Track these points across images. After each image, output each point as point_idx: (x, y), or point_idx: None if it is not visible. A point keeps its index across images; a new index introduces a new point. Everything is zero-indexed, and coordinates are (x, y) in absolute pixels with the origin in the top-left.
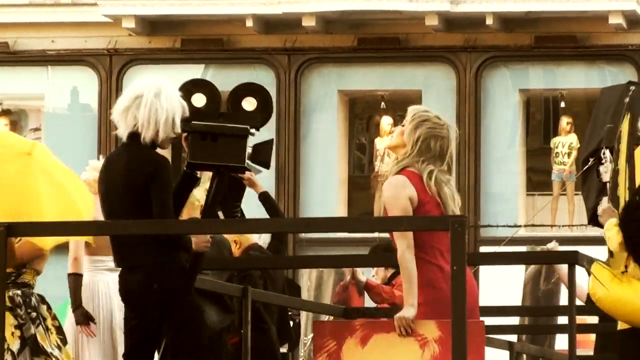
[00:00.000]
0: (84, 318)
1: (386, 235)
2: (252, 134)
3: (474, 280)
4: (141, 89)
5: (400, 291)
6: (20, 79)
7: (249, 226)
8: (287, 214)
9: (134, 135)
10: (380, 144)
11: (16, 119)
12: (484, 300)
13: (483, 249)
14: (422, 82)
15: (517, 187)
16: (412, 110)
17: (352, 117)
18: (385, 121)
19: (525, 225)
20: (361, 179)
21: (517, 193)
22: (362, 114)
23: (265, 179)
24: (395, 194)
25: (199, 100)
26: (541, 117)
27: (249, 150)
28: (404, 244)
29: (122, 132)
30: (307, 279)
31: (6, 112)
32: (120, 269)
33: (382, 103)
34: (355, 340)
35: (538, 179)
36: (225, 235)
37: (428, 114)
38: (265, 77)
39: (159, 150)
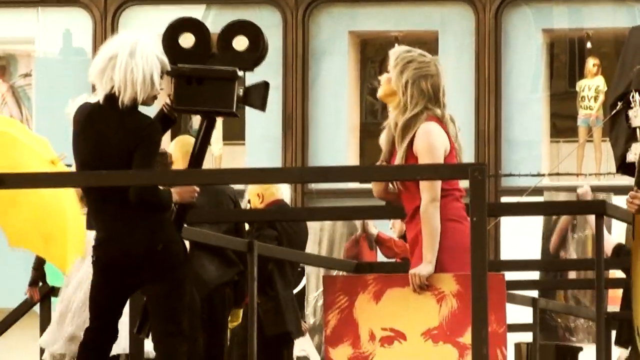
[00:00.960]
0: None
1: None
2: (241, 77)
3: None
4: (115, 49)
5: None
6: (8, 21)
7: (252, 176)
8: (295, 163)
9: (112, 97)
10: None
11: (5, 65)
12: (506, 254)
13: (504, 200)
14: (439, 22)
15: (540, 134)
16: (393, 53)
17: (363, 60)
18: None
19: (549, 174)
20: (373, 126)
21: (541, 140)
22: (374, 57)
23: (271, 126)
24: (434, 143)
25: (187, 40)
26: (566, 59)
27: (240, 93)
28: (429, 196)
29: (100, 94)
30: (315, 232)
31: None
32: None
33: (396, 45)
34: (368, 296)
35: (563, 124)
36: (251, 187)
37: (411, 54)
38: (271, 18)
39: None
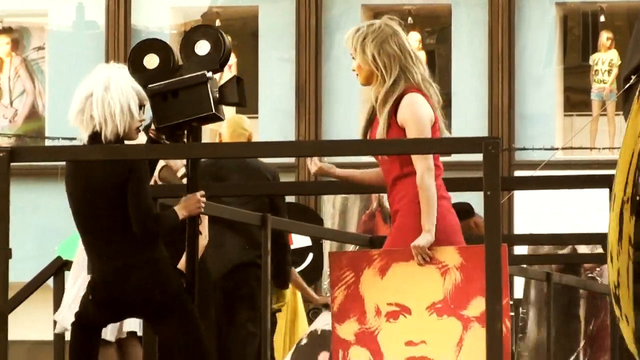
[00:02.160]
0: None
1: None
2: (211, 78)
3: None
4: (90, 87)
5: None
6: None
7: (265, 150)
8: (308, 136)
9: (96, 135)
10: None
11: (18, 38)
12: (520, 229)
13: (518, 174)
14: None
15: (554, 108)
16: (347, 40)
17: None
18: (413, 37)
19: (562, 148)
20: None
21: (554, 114)
22: None
23: (284, 100)
24: (420, 114)
25: (152, 61)
26: (579, 32)
27: (215, 95)
28: (424, 165)
29: (84, 136)
30: (331, 206)
31: (7, 30)
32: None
33: (410, 18)
34: (373, 271)
35: (576, 98)
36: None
37: (361, 30)
38: None
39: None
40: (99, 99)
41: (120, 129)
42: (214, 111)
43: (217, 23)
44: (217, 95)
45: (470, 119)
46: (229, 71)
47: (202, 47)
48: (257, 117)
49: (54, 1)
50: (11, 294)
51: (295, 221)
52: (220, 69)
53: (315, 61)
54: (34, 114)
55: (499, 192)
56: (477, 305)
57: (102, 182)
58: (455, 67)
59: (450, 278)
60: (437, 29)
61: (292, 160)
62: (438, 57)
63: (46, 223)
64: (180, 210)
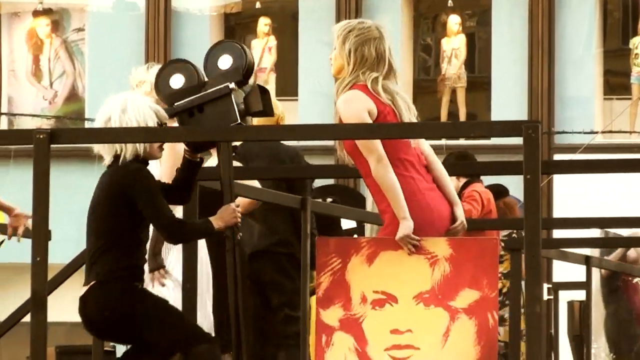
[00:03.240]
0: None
1: (452, 142)
2: (235, 89)
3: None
4: (108, 111)
5: (468, 204)
6: None
7: (304, 133)
8: None
9: (117, 158)
10: (447, 44)
11: (58, 19)
12: (559, 212)
13: (557, 157)
14: None
15: (593, 91)
16: (334, 29)
17: (417, 16)
18: (453, 20)
19: (602, 132)
20: (426, 82)
21: (594, 97)
22: (427, 13)
23: (324, 83)
24: (351, 110)
25: (178, 81)
26: (619, 15)
27: (241, 106)
28: (373, 157)
29: (108, 160)
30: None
31: (47, 12)
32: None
33: (450, 1)
34: (361, 258)
35: (616, 81)
36: None
37: (350, 24)
38: None
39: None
40: (117, 121)
41: (140, 149)
42: (239, 121)
43: (258, 5)
44: (243, 106)
45: (509, 102)
46: (269, 53)
47: (225, 61)
48: (296, 100)
49: None
50: (50, 275)
51: (334, 204)
52: (244, 80)
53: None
54: (73, 96)
55: (538, 175)
56: (465, 297)
57: (96, 196)
58: (495, 50)
59: (439, 269)
60: (477, 12)
61: (330, 142)
62: (478, 40)
63: (86, 205)
64: (216, 221)
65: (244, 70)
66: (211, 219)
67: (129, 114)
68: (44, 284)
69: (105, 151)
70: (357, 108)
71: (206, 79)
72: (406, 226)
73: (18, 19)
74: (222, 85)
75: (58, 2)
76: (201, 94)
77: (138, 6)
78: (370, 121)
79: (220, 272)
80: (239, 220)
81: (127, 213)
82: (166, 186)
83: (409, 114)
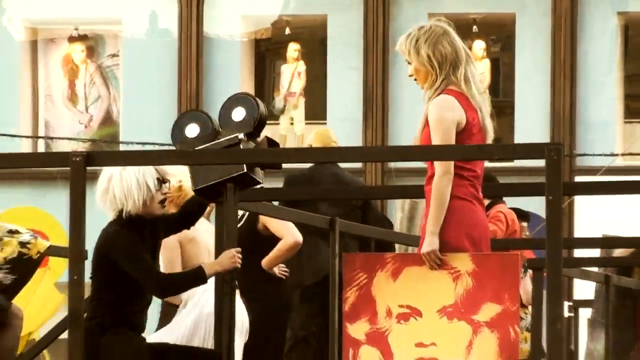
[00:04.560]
0: None
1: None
2: (244, 139)
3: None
4: (110, 170)
5: (494, 224)
6: (96, 2)
7: (336, 155)
8: (375, 142)
9: (120, 214)
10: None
11: (93, 45)
12: (580, 232)
13: (578, 179)
14: (516, 4)
15: (614, 115)
16: (400, 46)
17: None
18: (478, 45)
19: (622, 154)
20: None
21: (615, 120)
22: None
23: (352, 107)
24: (441, 117)
25: (193, 130)
26: None
27: None
28: (442, 169)
29: (112, 215)
30: (399, 209)
31: (82, 38)
32: None
33: (475, 27)
34: (386, 274)
35: (637, 105)
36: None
37: (413, 34)
38: (350, 2)
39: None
40: (117, 177)
41: (139, 204)
42: (245, 170)
43: (287, 31)
44: None
45: (532, 125)
46: (298, 78)
47: (238, 113)
48: (325, 124)
49: (127, 9)
50: (86, 294)
51: (365, 225)
52: (254, 132)
53: (383, 69)
54: (108, 120)
55: (560, 196)
56: (488, 311)
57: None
58: (519, 75)
59: (461, 283)
60: (501, 37)
61: (359, 165)
62: (502, 65)
63: None
64: (213, 266)
65: (256, 123)
66: (208, 264)
67: (127, 170)
68: (81, 302)
69: (108, 207)
70: (448, 119)
71: (220, 129)
72: (432, 241)
73: (54, 45)
74: (232, 136)
75: (93, 28)
76: (211, 142)
77: (171, 32)
78: (454, 131)
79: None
80: (239, 265)
81: (114, 271)
82: (175, 215)
83: (489, 122)
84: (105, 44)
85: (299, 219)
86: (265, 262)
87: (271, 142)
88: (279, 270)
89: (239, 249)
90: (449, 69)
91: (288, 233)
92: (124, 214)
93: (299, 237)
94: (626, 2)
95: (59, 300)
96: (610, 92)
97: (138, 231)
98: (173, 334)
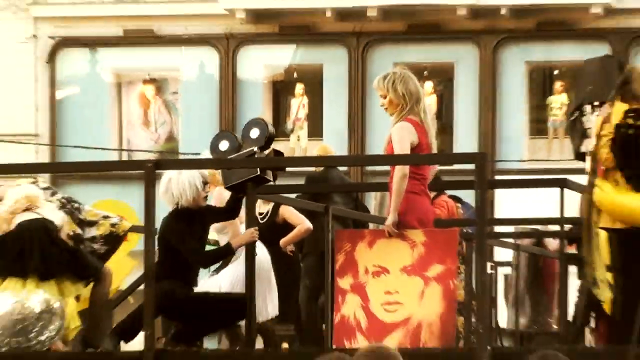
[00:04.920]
0: None
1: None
2: (257, 151)
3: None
4: (169, 174)
5: (438, 209)
6: (163, 56)
7: (327, 161)
8: (357, 152)
9: (175, 206)
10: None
11: (160, 85)
12: (500, 213)
13: (498, 177)
14: (454, 56)
15: (523, 133)
16: (377, 83)
17: None
18: (427, 85)
19: (528, 160)
20: None
21: (523, 137)
22: None
23: (341, 128)
24: (401, 137)
25: (224, 145)
26: (540, 81)
27: None
28: (400, 172)
29: (171, 208)
30: (373, 199)
31: (153, 80)
32: None
33: (425, 72)
34: (364, 244)
35: (538, 127)
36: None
37: (389, 76)
38: (339, 54)
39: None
40: (175, 180)
41: (190, 199)
42: (259, 172)
43: (295, 75)
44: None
45: (466, 140)
46: (303, 108)
47: (254, 133)
48: (322, 139)
49: (184, 60)
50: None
51: (352, 210)
52: (265, 146)
53: (362, 102)
54: (170, 138)
55: (485, 190)
56: (434, 269)
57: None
58: (456, 105)
59: (416, 250)
60: (444, 79)
61: (345, 168)
62: (444, 98)
63: None
64: (236, 242)
65: (266, 139)
66: (235, 240)
67: (182, 176)
68: (152, 264)
69: (167, 202)
70: (406, 139)
71: (242, 144)
72: (392, 218)
73: (133, 85)
74: (249, 149)
75: (160, 74)
76: (237, 154)
77: (214, 76)
78: (409, 149)
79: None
80: (256, 238)
81: (171, 247)
82: (221, 209)
83: (434, 141)
84: (168, 84)
85: (299, 205)
86: (283, 241)
87: (277, 153)
88: (289, 249)
89: (256, 227)
90: (414, 102)
91: (304, 222)
92: (179, 207)
93: (310, 225)
94: (531, 53)
95: (133, 264)
96: (520, 117)
97: (188, 220)
98: (223, 277)
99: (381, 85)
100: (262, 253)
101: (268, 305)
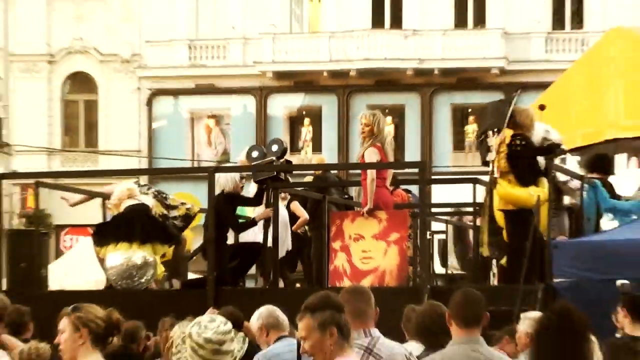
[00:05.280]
0: None
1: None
2: (274, 160)
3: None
4: (220, 175)
5: (396, 198)
6: (220, 100)
7: (322, 167)
8: (342, 161)
9: (222, 191)
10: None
11: (218, 119)
12: (435, 200)
13: (434, 177)
14: (405, 100)
15: (449, 148)
16: (366, 117)
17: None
18: (388, 119)
19: (453, 166)
20: None
21: (450, 151)
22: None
23: (331, 151)
24: (369, 157)
25: (255, 153)
26: (460, 116)
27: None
28: (369, 176)
29: (218, 192)
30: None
31: (214, 116)
32: None
33: (387, 110)
34: (349, 220)
35: (459, 144)
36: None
37: (375, 115)
38: (332, 99)
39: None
40: (223, 177)
41: (231, 187)
42: (275, 174)
43: (304, 113)
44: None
45: (413, 154)
46: (309, 133)
47: (274, 147)
48: (321, 153)
49: (234, 103)
50: None
51: (342, 199)
52: (281, 156)
53: (347, 130)
54: (225, 152)
55: (425, 185)
56: (393, 236)
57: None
58: (406, 132)
59: (382, 224)
60: (398, 115)
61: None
62: (399, 128)
63: None
64: (261, 216)
65: (281, 152)
66: (256, 216)
67: (229, 175)
68: (213, 232)
69: (218, 187)
70: (373, 157)
71: (266, 154)
72: (369, 206)
73: (201, 119)
74: (270, 158)
75: (218, 111)
76: (261, 160)
77: (252, 114)
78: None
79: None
80: (271, 215)
81: (220, 217)
82: (251, 198)
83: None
84: (223, 118)
85: (310, 195)
86: (294, 227)
87: (287, 162)
88: (300, 230)
89: (272, 208)
90: (384, 133)
91: (303, 214)
92: (224, 192)
93: (307, 216)
94: (454, 99)
95: (193, 235)
96: (447, 138)
97: (230, 201)
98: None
99: (370, 119)
100: (284, 213)
101: (282, 247)
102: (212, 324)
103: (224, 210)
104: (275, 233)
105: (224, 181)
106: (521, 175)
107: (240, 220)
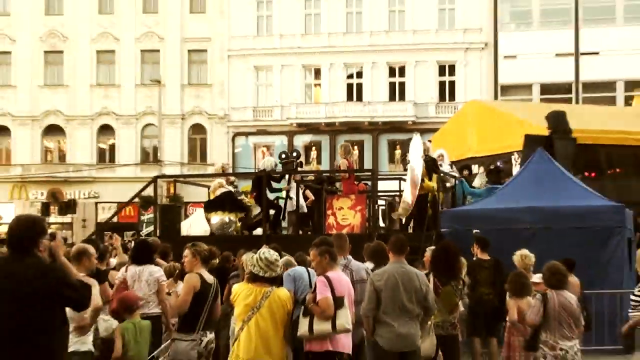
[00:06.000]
0: None
1: None
2: (294, 160)
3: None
4: (262, 161)
5: (360, 187)
6: (270, 139)
7: (318, 172)
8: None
9: (262, 173)
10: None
11: (270, 148)
12: (381, 188)
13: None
14: (363, 138)
15: (387, 162)
16: (343, 149)
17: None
18: (355, 151)
19: (389, 172)
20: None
21: (387, 164)
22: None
23: (325, 163)
24: (344, 167)
25: (283, 156)
26: (394, 147)
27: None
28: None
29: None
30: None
31: (267, 147)
32: None
33: (355, 145)
34: (335, 199)
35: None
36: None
37: (346, 145)
38: (326, 138)
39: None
40: (262, 162)
41: (269, 169)
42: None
43: (311, 144)
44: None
45: (368, 165)
46: (315, 158)
47: (294, 153)
48: (320, 166)
49: (275, 139)
50: None
51: (332, 188)
52: (296, 157)
53: (334, 153)
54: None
55: (377, 180)
56: (358, 207)
57: None
58: (364, 156)
59: (352, 201)
60: (360, 145)
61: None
62: (360, 153)
63: None
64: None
65: (296, 156)
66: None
67: (266, 162)
68: (266, 198)
69: (260, 167)
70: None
71: (289, 156)
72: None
73: (259, 148)
74: (291, 158)
75: (269, 145)
76: (276, 170)
77: (285, 145)
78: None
79: None
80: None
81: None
82: (279, 177)
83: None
84: (272, 149)
85: (315, 186)
86: (307, 202)
87: (300, 164)
88: (307, 203)
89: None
90: (352, 153)
91: (311, 195)
92: (266, 170)
93: (313, 197)
94: (389, 137)
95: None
96: (386, 156)
97: (270, 177)
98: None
99: (344, 148)
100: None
101: (301, 211)
102: (267, 252)
103: (268, 183)
104: (297, 204)
105: (264, 166)
106: (429, 175)
107: (276, 186)
